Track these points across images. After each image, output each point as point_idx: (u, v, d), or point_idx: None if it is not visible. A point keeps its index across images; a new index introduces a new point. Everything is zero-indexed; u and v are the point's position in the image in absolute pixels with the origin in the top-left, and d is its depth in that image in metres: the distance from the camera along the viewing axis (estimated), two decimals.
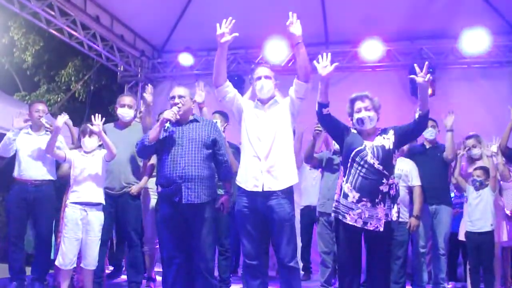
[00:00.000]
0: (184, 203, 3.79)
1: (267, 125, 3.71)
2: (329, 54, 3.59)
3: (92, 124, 4.36)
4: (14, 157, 5.00)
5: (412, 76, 3.62)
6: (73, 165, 4.47)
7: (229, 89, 3.79)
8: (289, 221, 3.63)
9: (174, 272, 3.91)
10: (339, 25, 7.64)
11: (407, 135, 3.79)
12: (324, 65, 3.56)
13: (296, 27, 3.54)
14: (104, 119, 4.41)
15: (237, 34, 3.57)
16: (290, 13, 3.52)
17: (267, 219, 3.65)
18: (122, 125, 4.98)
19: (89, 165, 4.44)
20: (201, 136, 3.91)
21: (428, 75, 3.53)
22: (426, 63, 3.61)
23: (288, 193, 3.68)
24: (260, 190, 3.61)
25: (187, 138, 3.90)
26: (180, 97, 3.98)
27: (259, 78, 3.78)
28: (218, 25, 3.57)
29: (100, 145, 4.51)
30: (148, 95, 4.69)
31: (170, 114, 3.85)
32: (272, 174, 3.62)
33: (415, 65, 3.63)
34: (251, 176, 3.66)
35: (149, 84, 4.99)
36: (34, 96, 11.94)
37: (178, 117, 3.89)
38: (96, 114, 4.36)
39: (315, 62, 3.59)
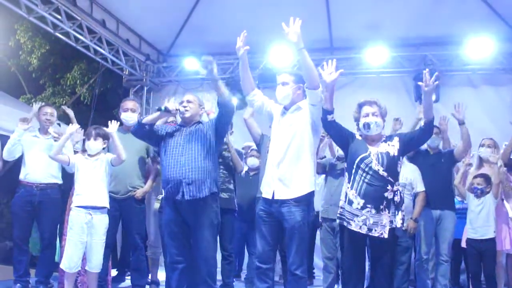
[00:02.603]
0: (186, 201, 3.82)
1: (283, 132, 3.69)
2: (334, 60, 3.60)
3: (93, 129, 4.44)
4: (20, 160, 5.03)
5: (420, 83, 3.63)
6: (77, 169, 4.49)
7: (257, 97, 3.83)
8: (298, 230, 3.55)
9: (177, 276, 3.94)
10: (344, 31, 7.66)
11: (412, 143, 3.81)
12: (329, 71, 3.56)
13: (291, 35, 3.46)
14: (118, 122, 4.49)
15: (248, 47, 3.64)
16: (291, 19, 3.48)
17: (281, 225, 3.65)
18: (126, 129, 5.00)
19: (93, 168, 4.44)
20: (201, 133, 3.98)
21: (435, 82, 3.56)
22: (436, 73, 3.61)
23: (302, 201, 3.58)
24: (270, 197, 3.62)
25: (188, 138, 3.97)
26: (188, 101, 4.08)
27: (278, 85, 3.80)
28: (238, 38, 3.66)
29: (103, 148, 4.53)
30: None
31: (172, 105, 3.99)
32: (283, 182, 3.59)
33: (424, 72, 3.61)
34: (266, 183, 3.71)
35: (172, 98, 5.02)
36: (39, 98, 11.96)
37: (177, 107, 4.00)
38: (113, 121, 4.46)
39: (319, 68, 3.59)
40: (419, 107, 5.33)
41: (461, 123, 5.08)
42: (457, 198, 5.62)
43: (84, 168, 4.44)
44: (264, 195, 3.68)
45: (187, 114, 4.05)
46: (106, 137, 4.47)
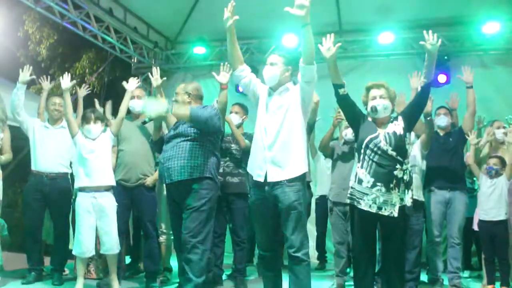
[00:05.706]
0: (174, 183, 4.00)
1: (274, 113, 3.56)
2: (332, 35, 3.62)
3: (92, 112, 4.58)
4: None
5: (422, 42, 3.65)
6: (80, 149, 4.48)
7: (244, 73, 3.68)
8: (294, 209, 3.41)
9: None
10: (352, 14, 7.59)
11: (413, 111, 3.83)
12: (327, 47, 3.58)
13: (298, 9, 3.28)
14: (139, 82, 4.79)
15: (237, 17, 3.49)
16: None
17: (276, 208, 3.51)
18: (133, 117, 5.03)
19: (96, 148, 4.46)
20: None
21: (439, 40, 3.60)
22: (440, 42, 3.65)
23: (296, 181, 3.45)
24: (262, 180, 3.49)
25: (180, 130, 4.13)
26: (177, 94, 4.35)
27: (266, 65, 3.66)
28: (225, 9, 3.53)
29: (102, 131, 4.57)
30: (155, 79, 4.74)
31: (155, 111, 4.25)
32: (276, 164, 3.47)
33: (424, 32, 3.64)
34: (256, 165, 3.57)
35: (155, 67, 4.94)
36: (50, 88, 12.04)
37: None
38: (133, 78, 4.89)
39: (319, 45, 3.56)
40: (412, 79, 4.89)
41: (469, 86, 5.11)
42: (468, 180, 5.56)
43: (86, 149, 4.45)
44: (255, 178, 3.55)
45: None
46: (103, 120, 4.62)
